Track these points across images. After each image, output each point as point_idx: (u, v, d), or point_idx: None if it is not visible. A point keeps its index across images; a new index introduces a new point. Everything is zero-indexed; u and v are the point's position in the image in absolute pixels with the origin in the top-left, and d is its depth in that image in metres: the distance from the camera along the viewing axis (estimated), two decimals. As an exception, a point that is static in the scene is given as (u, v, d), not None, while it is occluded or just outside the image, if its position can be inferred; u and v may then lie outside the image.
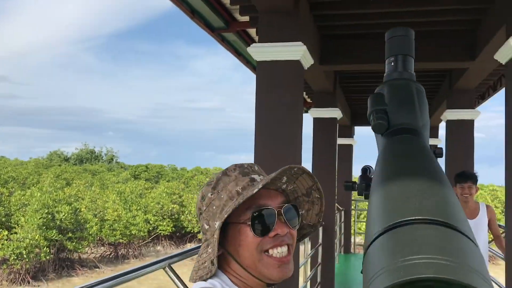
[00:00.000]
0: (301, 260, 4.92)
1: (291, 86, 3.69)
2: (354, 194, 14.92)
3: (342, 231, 10.29)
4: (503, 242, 4.27)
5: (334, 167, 7.04)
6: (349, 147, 10.70)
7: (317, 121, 6.99)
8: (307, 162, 7.34)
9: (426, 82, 7.46)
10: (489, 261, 3.94)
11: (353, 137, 10.98)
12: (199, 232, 15.80)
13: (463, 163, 6.32)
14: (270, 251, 0.95)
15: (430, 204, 0.53)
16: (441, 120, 8.70)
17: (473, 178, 4.00)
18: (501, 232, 4.46)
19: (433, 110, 8.32)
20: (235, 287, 0.97)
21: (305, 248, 5.88)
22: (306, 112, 7.72)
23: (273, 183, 0.96)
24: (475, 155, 6.41)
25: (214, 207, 0.97)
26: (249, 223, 0.94)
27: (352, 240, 11.31)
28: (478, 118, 6.50)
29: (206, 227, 0.98)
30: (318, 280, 6.79)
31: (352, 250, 11.20)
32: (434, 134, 10.14)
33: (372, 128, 0.75)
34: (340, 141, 9.65)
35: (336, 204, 8.27)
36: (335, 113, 6.88)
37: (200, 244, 1.07)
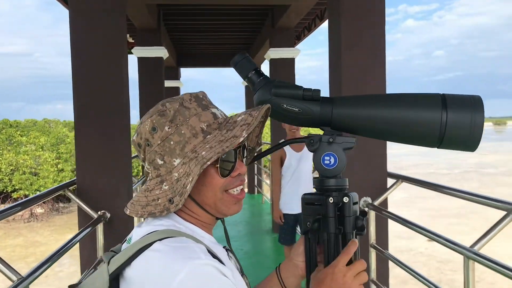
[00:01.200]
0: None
1: (111, 21, 3.25)
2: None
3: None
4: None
5: (162, 110, 6.75)
6: (176, 90, 10.46)
7: (142, 61, 6.56)
8: (133, 109, 6.92)
9: (248, 20, 7.52)
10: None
11: (179, 79, 10.74)
12: (13, 191, 14.16)
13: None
14: (230, 190, 0.97)
15: None
16: (264, 60, 8.98)
17: None
18: None
19: (256, 50, 8.51)
20: (187, 223, 0.96)
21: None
22: (130, 53, 7.18)
23: (235, 140, 0.91)
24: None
25: (172, 143, 0.91)
26: (218, 165, 0.93)
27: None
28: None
29: (160, 162, 0.93)
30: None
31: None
32: (257, 74, 10.47)
33: (314, 96, 0.99)
34: (167, 83, 9.35)
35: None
36: (160, 52, 6.52)
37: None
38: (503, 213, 2.02)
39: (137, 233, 0.94)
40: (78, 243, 2.97)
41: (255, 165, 9.98)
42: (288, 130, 4.09)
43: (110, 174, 3.26)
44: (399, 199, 14.42)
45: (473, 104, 0.92)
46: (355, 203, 1.00)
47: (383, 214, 3.13)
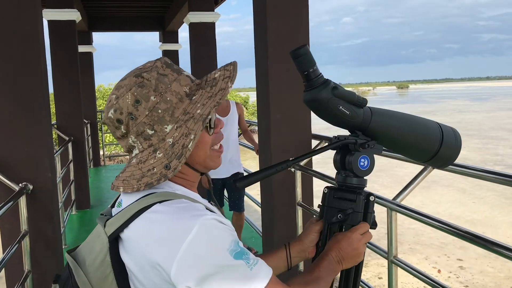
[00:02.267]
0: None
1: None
2: (100, 104, 14.33)
3: (90, 144, 9.84)
4: (251, 135, 4.78)
5: (77, 77, 6.44)
6: (89, 55, 9.94)
7: (53, 25, 6.14)
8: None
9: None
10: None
11: (92, 44, 10.20)
12: None
13: (207, 65, 6.59)
14: (215, 146, 1.04)
15: None
16: (182, 24, 8.79)
17: None
18: (248, 126, 4.92)
19: (174, 14, 8.29)
20: (179, 186, 0.99)
21: (56, 167, 5.37)
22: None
23: (223, 93, 0.96)
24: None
25: (160, 111, 0.93)
26: (207, 124, 0.98)
27: (101, 152, 10.98)
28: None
29: (150, 132, 0.94)
30: (73, 198, 6.41)
31: (102, 163, 10.92)
32: (174, 39, 10.22)
33: (363, 103, 1.08)
34: (80, 48, 8.87)
35: (82, 117, 7.74)
36: (73, 14, 6.14)
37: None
38: (421, 167, 2.24)
39: (128, 198, 0.96)
40: (-2, 218, 2.83)
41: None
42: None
43: (30, 144, 3.10)
44: (323, 158, 15.09)
45: (456, 134, 1.19)
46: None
47: (308, 173, 3.30)
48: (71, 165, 6.29)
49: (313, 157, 3.67)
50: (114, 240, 0.92)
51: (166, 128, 0.93)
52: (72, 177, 6.32)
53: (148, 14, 10.01)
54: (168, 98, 0.93)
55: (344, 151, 1.14)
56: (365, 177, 1.15)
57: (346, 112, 1.06)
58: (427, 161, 1.19)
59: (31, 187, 3.08)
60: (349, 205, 1.13)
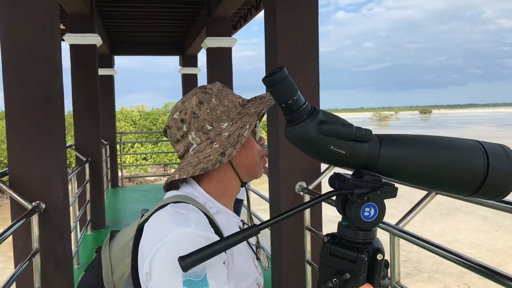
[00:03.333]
0: (70, 199, 4.55)
1: (42, 5, 3.13)
2: (118, 126, 14.55)
3: (109, 165, 9.99)
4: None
5: (96, 99, 6.60)
6: (110, 78, 10.19)
7: (74, 49, 6.34)
8: (66, 97, 6.70)
9: (184, 8, 7.47)
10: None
11: (113, 67, 10.47)
12: None
13: (223, 89, 6.69)
14: (264, 157, 1.15)
15: None
16: (200, 49, 8.96)
17: None
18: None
19: (193, 39, 8.47)
20: (204, 192, 1.09)
21: (72, 187, 5.46)
22: (62, 40, 6.93)
23: (271, 101, 1.09)
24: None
25: (218, 112, 1.08)
26: (256, 129, 1.12)
27: (119, 174, 11.13)
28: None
29: (209, 127, 1.07)
30: (88, 218, 6.49)
31: (119, 184, 11.06)
32: (193, 63, 10.42)
33: (365, 137, 0.83)
34: (101, 71, 9.09)
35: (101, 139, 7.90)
36: (94, 39, 6.34)
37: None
38: (424, 193, 2.22)
39: (166, 195, 1.11)
40: (11, 236, 2.89)
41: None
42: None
43: (44, 164, 3.18)
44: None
45: (506, 151, 0.88)
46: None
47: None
48: (88, 185, 6.39)
49: (323, 180, 3.66)
50: (140, 230, 1.02)
51: (223, 125, 1.07)
52: (88, 197, 6.41)
53: (168, 39, 10.25)
54: (226, 103, 1.09)
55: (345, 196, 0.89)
56: (373, 230, 0.88)
57: (342, 152, 0.82)
58: (471, 194, 0.89)
59: (43, 206, 3.14)
60: (348, 267, 0.87)
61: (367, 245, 0.88)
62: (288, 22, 3.40)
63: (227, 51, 6.73)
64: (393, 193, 0.87)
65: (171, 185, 1.11)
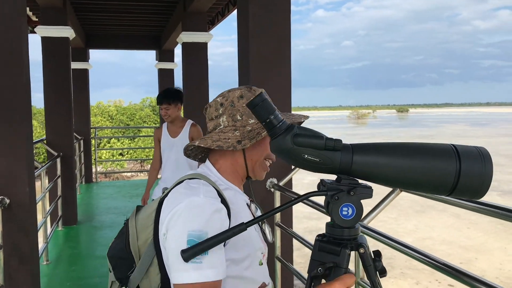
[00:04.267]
0: (38, 195, 4.46)
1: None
2: (94, 121, 14.33)
3: (82, 160, 9.84)
4: None
5: (69, 93, 6.48)
6: (85, 72, 10.02)
7: (46, 41, 6.21)
8: (37, 92, 6.52)
9: (160, 2, 7.38)
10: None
11: (88, 61, 10.29)
12: None
13: (198, 84, 6.64)
14: (267, 160, 1.31)
15: None
16: (177, 43, 8.88)
17: (168, 98, 3.88)
18: None
19: (169, 33, 8.39)
20: (216, 172, 1.28)
21: (42, 182, 5.36)
22: (33, 31, 6.77)
23: (295, 119, 1.27)
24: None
25: None
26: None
27: (94, 169, 10.97)
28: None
29: (239, 118, 1.26)
30: (59, 213, 6.38)
31: (94, 179, 10.90)
32: (170, 58, 10.31)
33: (336, 146, 0.97)
34: (74, 65, 8.93)
35: (74, 134, 7.76)
36: (66, 32, 6.21)
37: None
38: (389, 189, 2.23)
39: (185, 174, 1.27)
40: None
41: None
42: (163, 116, 3.95)
43: (9, 158, 3.10)
44: (308, 181, 15.04)
45: (482, 154, 0.96)
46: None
47: (287, 194, 3.29)
48: (59, 181, 6.27)
49: (301, 181, 3.64)
50: (161, 203, 1.19)
51: (250, 120, 1.26)
52: (59, 193, 6.30)
53: (144, 33, 10.13)
54: None
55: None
56: (355, 226, 1.02)
57: (316, 159, 0.97)
58: (448, 194, 0.99)
59: (7, 201, 3.07)
60: (331, 259, 1.02)
61: (351, 241, 1.02)
62: (260, 19, 3.38)
63: (203, 46, 6.68)
64: (368, 194, 1.01)
65: (191, 152, 1.32)
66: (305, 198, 1.02)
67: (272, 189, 3.34)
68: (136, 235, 1.23)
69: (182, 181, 1.21)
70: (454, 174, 0.94)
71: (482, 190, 0.95)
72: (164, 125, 4.14)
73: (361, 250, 1.03)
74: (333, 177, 1.04)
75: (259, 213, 1.35)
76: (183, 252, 0.98)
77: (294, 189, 3.45)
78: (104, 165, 16.77)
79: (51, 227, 6.10)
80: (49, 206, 5.98)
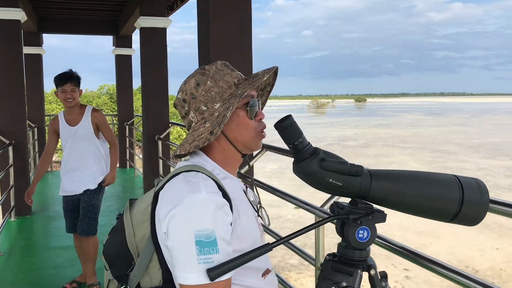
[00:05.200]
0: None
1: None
2: (49, 109, 13.87)
3: (37, 149, 9.50)
4: (115, 153, 3.97)
5: (21, 78, 6.20)
6: (38, 57, 9.63)
7: (-5, 23, 5.91)
8: (-14, 74, 6.22)
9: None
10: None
11: (41, 46, 9.90)
12: None
13: (157, 70, 6.50)
14: (259, 131, 1.24)
15: None
16: (135, 29, 8.66)
17: (74, 79, 3.60)
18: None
19: (126, 18, 8.16)
20: (211, 161, 1.22)
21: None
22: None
23: (259, 80, 1.18)
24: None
25: (213, 93, 1.20)
26: (248, 108, 1.21)
27: (49, 158, 10.60)
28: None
29: (204, 108, 1.21)
30: (12, 204, 6.14)
31: (49, 169, 10.56)
32: (127, 44, 10.05)
33: (358, 172, 1.03)
34: (26, 50, 8.57)
35: (28, 121, 7.47)
36: (17, 14, 5.93)
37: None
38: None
39: (178, 165, 1.23)
40: None
41: (127, 138, 9.69)
42: (63, 100, 3.64)
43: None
44: (270, 170, 15.13)
45: (480, 186, 1.06)
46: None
47: (247, 181, 3.27)
48: (11, 170, 6.03)
49: (264, 169, 3.63)
50: (156, 197, 1.15)
51: (215, 105, 1.20)
52: (11, 182, 6.05)
53: (101, 18, 9.82)
54: (221, 84, 1.20)
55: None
56: (367, 249, 1.09)
57: (339, 184, 1.04)
58: (450, 221, 1.08)
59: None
60: (345, 279, 1.07)
61: (362, 262, 1.09)
62: (221, 3, 3.32)
63: (162, 32, 6.54)
64: (382, 218, 1.08)
65: (179, 156, 1.26)
66: (328, 221, 1.08)
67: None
68: (133, 231, 1.19)
69: (178, 173, 1.15)
70: (458, 203, 1.04)
71: (479, 217, 1.06)
72: (60, 115, 3.81)
73: (372, 272, 1.10)
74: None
75: (254, 196, 1.33)
76: (209, 271, 0.98)
77: (256, 177, 3.43)
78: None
79: (3, 218, 5.87)
80: (1, 196, 5.74)
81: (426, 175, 1.08)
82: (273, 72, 1.26)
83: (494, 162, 18.53)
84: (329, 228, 2.23)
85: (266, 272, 1.21)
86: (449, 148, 23.26)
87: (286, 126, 1.06)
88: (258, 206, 1.29)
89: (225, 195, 1.11)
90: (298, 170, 1.07)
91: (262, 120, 1.27)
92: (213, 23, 3.30)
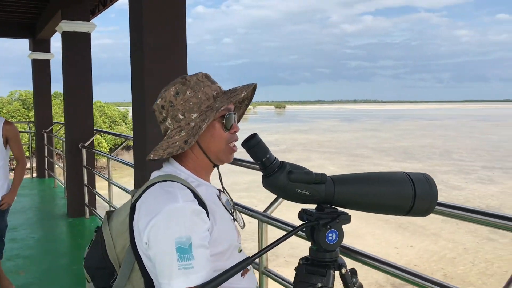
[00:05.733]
0: None
1: None
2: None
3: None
4: (22, 169, 3.73)
5: None
6: None
7: None
8: None
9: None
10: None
11: None
12: None
13: (80, 76, 6.28)
14: (231, 144, 1.30)
15: None
16: (54, 32, 8.29)
17: None
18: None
19: (46, 21, 7.80)
20: (184, 169, 1.27)
21: None
22: None
23: (237, 96, 1.24)
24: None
25: (191, 103, 1.25)
26: (223, 121, 1.27)
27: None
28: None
29: (181, 116, 1.25)
30: None
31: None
32: (46, 48, 9.55)
33: (322, 180, 1.12)
34: None
35: None
36: None
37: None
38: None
39: (152, 175, 1.28)
40: None
41: (45, 147, 9.21)
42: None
43: None
44: (247, 181, 15.05)
45: (429, 180, 1.17)
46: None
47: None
48: None
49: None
50: (134, 208, 1.19)
51: (192, 115, 1.24)
52: None
53: (15, 20, 9.27)
54: (199, 96, 1.25)
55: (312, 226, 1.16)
56: (336, 249, 1.17)
57: (306, 192, 1.11)
58: (406, 214, 1.17)
59: None
60: (319, 280, 1.14)
61: (333, 262, 1.17)
62: (154, 9, 3.31)
63: (85, 37, 6.31)
64: (348, 219, 1.17)
65: (152, 161, 1.28)
66: (299, 230, 1.16)
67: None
68: (113, 243, 1.22)
69: (153, 184, 1.19)
70: (411, 198, 1.14)
71: (431, 208, 1.17)
72: None
73: (343, 270, 1.18)
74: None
75: (227, 200, 1.38)
76: (203, 286, 1.04)
77: (233, 194, 3.43)
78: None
79: None
80: None
81: (381, 175, 1.18)
82: (252, 88, 1.32)
83: (404, 164, 19.82)
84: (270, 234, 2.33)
85: (245, 272, 1.28)
86: (364, 152, 24.53)
87: (254, 144, 1.14)
88: (232, 209, 1.35)
89: (201, 203, 1.16)
90: (268, 184, 1.15)
91: (236, 133, 1.32)
92: (146, 29, 3.28)
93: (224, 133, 1.27)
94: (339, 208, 1.18)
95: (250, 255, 1.12)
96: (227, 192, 1.38)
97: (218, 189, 1.35)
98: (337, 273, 1.21)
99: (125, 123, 26.53)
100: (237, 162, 2.63)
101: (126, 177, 16.00)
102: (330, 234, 1.14)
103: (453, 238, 9.74)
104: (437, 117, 76.54)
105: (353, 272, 1.25)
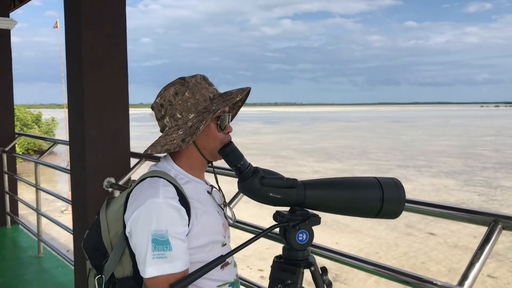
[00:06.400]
0: None
1: None
2: None
3: None
4: None
5: None
6: None
7: None
8: None
9: None
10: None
11: None
12: None
13: (1, 77, 5.89)
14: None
15: None
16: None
17: None
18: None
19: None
20: (177, 166, 1.36)
21: None
22: None
23: (232, 99, 1.31)
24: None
25: (189, 104, 1.33)
26: (218, 122, 1.35)
27: None
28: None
29: (179, 116, 1.33)
30: None
31: None
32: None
33: (293, 184, 1.20)
34: None
35: None
36: None
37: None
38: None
39: (150, 168, 1.37)
40: None
41: None
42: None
43: None
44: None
45: (397, 184, 1.24)
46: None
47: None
48: None
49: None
50: (128, 197, 1.28)
51: (190, 115, 1.32)
52: None
53: None
54: (197, 97, 1.32)
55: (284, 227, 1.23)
56: (307, 249, 1.24)
57: (278, 196, 1.19)
58: (375, 216, 1.25)
59: None
60: (289, 277, 1.22)
61: (304, 261, 1.25)
62: (93, 8, 3.19)
63: (5, 34, 5.91)
64: (318, 221, 1.24)
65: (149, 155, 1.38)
66: (270, 231, 1.23)
67: (110, 189, 3.21)
68: (108, 228, 1.32)
69: (145, 178, 1.29)
70: (379, 201, 1.21)
71: (399, 211, 1.24)
72: None
73: (312, 268, 1.26)
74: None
75: (220, 196, 1.48)
76: (172, 286, 1.14)
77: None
78: None
79: None
80: None
81: (351, 180, 1.26)
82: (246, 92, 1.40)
83: (326, 165, 20.56)
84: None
85: (225, 265, 1.37)
86: (287, 153, 25.12)
87: (229, 151, 1.24)
88: (224, 205, 1.45)
89: (183, 200, 1.26)
90: (243, 188, 1.23)
91: (230, 133, 1.40)
92: (85, 29, 3.15)
93: (218, 133, 1.35)
94: (310, 211, 1.26)
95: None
96: (221, 189, 1.47)
97: (211, 185, 1.45)
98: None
99: (39, 126, 24.97)
100: (215, 169, 2.63)
101: (60, 183, 15.13)
102: (300, 235, 1.22)
103: (375, 234, 10.27)
104: (353, 119, 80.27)
105: (324, 270, 1.31)
